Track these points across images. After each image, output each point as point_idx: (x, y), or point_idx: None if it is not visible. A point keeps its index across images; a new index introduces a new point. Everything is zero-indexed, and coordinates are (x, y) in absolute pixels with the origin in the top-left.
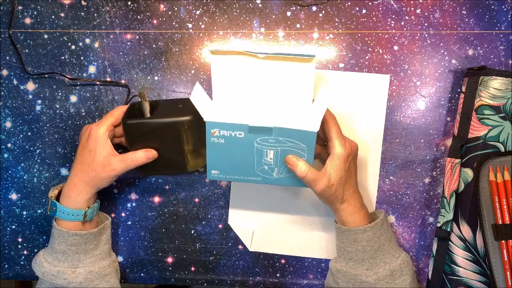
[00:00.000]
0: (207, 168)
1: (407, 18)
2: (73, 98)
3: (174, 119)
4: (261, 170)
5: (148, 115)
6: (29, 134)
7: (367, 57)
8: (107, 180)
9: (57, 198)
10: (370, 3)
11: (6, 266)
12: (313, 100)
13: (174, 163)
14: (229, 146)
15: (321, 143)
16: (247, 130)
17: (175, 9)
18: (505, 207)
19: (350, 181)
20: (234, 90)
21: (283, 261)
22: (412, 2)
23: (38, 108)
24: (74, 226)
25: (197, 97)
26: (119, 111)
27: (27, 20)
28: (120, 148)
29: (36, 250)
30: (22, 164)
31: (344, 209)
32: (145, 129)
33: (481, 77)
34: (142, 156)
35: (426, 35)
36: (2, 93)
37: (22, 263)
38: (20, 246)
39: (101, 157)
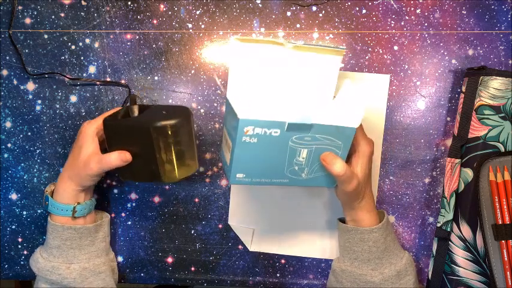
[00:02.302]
0: (231, 172)
1: (407, 18)
2: (73, 98)
3: (145, 124)
4: (290, 171)
5: None
6: (29, 134)
7: (367, 57)
8: (86, 178)
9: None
10: (370, 3)
11: (6, 266)
12: (335, 97)
13: (148, 171)
14: (262, 145)
15: None
16: (285, 128)
17: (175, 9)
18: (505, 207)
19: (369, 178)
20: (261, 85)
21: (283, 261)
22: (412, 2)
23: (38, 108)
24: (65, 221)
25: (232, 95)
26: (114, 111)
27: (27, 20)
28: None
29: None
30: (22, 164)
31: (362, 207)
32: (119, 131)
33: (481, 77)
34: (116, 158)
35: (426, 35)
36: (2, 93)
37: (22, 263)
38: (20, 246)
39: (85, 155)
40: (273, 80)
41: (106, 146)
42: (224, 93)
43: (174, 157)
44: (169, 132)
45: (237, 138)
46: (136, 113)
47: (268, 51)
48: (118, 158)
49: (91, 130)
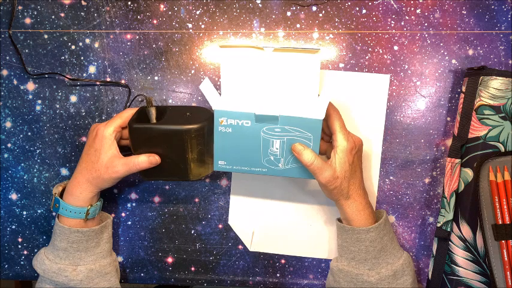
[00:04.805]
0: (214, 159)
1: (407, 18)
2: (73, 98)
3: (181, 127)
4: (267, 161)
5: (154, 121)
6: (29, 134)
7: (367, 57)
8: (110, 181)
9: (62, 195)
10: (370, 3)
11: (6, 266)
12: (319, 95)
13: (177, 170)
14: (237, 135)
15: (327, 140)
16: (254, 119)
17: (175, 9)
18: (505, 207)
19: (355, 176)
20: (242, 82)
21: (283, 261)
22: (412, 2)
23: (38, 108)
24: (76, 223)
25: (206, 88)
26: (128, 113)
27: (27, 20)
28: (127, 150)
29: (36, 250)
30: (22, 164)
31: (349, 205)
32: (151, 135)
33: (481, 77)
34: (144, 160)
35: (426, 35)
36: (2, 93)
37: (22, 263)
38: (20, 246)
39: (105, 158)
40: (252, 79)
41: (131, 148)
42: None
43: (199, 157)
44: (200, 134)
45: (215, 128)
46: (154, 114)
47: (250, 54)
48: (147, 161)
49: (108, 133)
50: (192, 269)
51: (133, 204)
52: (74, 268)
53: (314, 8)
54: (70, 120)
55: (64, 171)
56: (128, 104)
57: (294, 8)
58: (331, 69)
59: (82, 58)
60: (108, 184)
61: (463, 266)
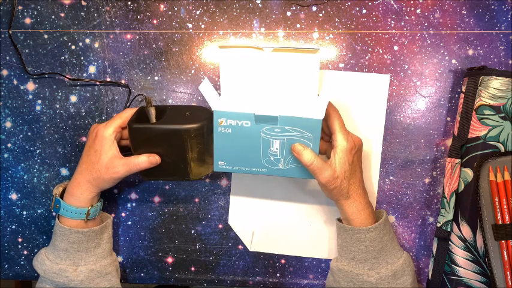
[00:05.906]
0: (214, 160)
1: (407, 18)
2: (73, 98)
3: (180, 127)
4: (267, 161)
5: (153, 120)
6: (29, 134)
7: (367, 57)
8: (110, 182)
9: (62, 195)
10: (370, 3)
11: (6, 266)
12: (318, 95)
13: (177, 170)
14: (236, 135)
15: (327, 140)
16: (254, 119)
17: (175, 9)
18: (505, 207)
19: (355, 176)
20: (242, 82)
21: (283, 261)
22: (412, 2)
23: (38, 108)
24: (76, 224)
25: (206, 88)
26: (128, 113)
27: (27, 20)
28: (127, 150)
29: (36, 250)
30: (22, 164)
31: (349, 205)
32: (150, 135)
33: (481, 77)
34: (145, 161)
35: (426, 35)
36: (2, 93)
37: (22, 263)
38: (20, 246)
39: (105, 159)
40: (251, 80)
41: (131, 148)
42: None
43: (199, 156)
44: (200, 133)
45: (214, 129)
46: (154, 114)
47: (250, 54)
48: (147, 161)
49: (108, 134)
50: (192, 269)
51: (133, 204)
52: (74, 268)
53: (314, 8)
54: (70, 120)
55: (64, 171)
56: (128, 104)
57: (294, 8)
58: (331, 69)
59: (82, 58)
60: (108, 185)
61: (463, 266)
